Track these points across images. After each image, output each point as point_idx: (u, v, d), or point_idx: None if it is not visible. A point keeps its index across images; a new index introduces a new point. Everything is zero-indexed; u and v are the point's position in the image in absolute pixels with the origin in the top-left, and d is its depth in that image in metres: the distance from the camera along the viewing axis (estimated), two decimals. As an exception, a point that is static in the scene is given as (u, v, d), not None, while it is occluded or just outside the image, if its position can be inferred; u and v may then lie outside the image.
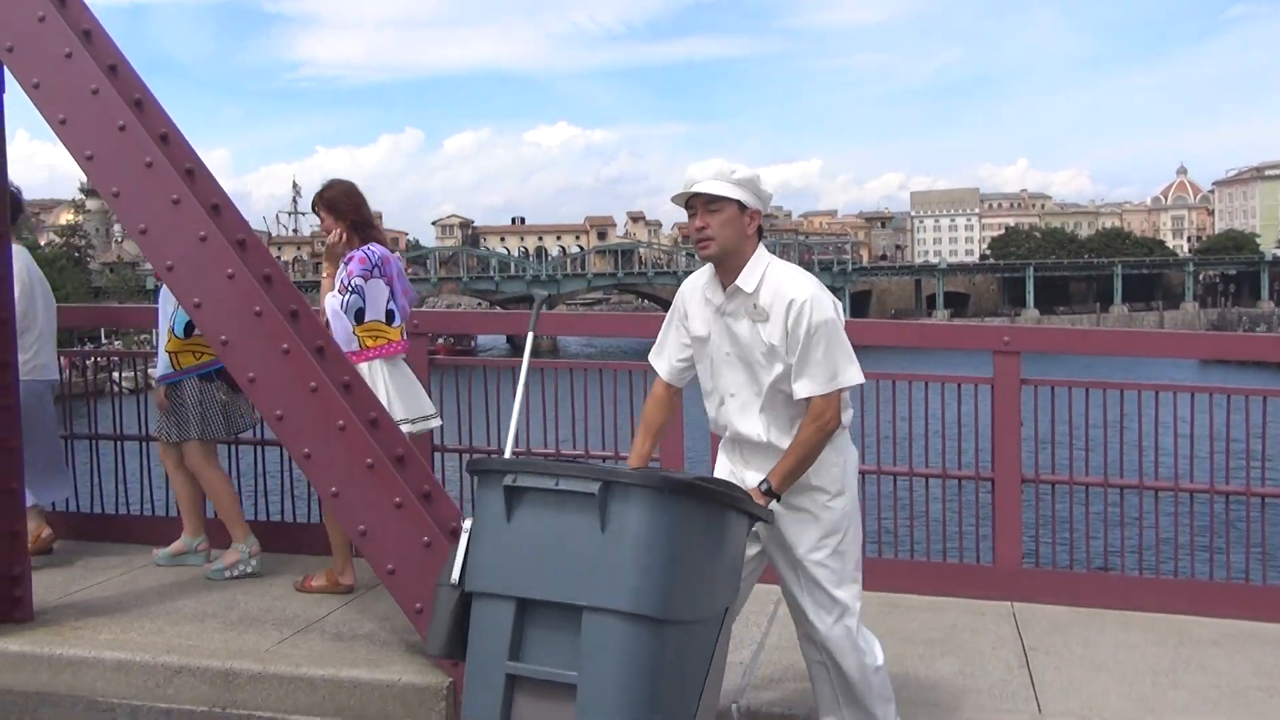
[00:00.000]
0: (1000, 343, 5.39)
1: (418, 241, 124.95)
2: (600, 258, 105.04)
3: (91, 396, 6.69)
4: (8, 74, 4.64)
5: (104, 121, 4.44)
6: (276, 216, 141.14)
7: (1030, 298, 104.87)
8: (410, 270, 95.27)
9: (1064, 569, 5.55)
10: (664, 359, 3.71)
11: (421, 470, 4.53)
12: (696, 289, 3.57)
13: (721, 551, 2.97)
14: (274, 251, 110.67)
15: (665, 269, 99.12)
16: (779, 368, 3.39)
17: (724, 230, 3.37)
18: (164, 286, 5.26)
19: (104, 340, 34.52)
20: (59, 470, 6.04)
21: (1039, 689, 4.23)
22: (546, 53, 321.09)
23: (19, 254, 5.50)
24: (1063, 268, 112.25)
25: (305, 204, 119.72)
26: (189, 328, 5.54)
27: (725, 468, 3.65)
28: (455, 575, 3.06)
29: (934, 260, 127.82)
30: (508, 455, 3.48)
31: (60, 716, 4.29)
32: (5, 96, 4.75)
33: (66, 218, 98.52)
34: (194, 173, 4.57)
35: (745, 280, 3.40)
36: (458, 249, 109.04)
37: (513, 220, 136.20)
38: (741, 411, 3.50)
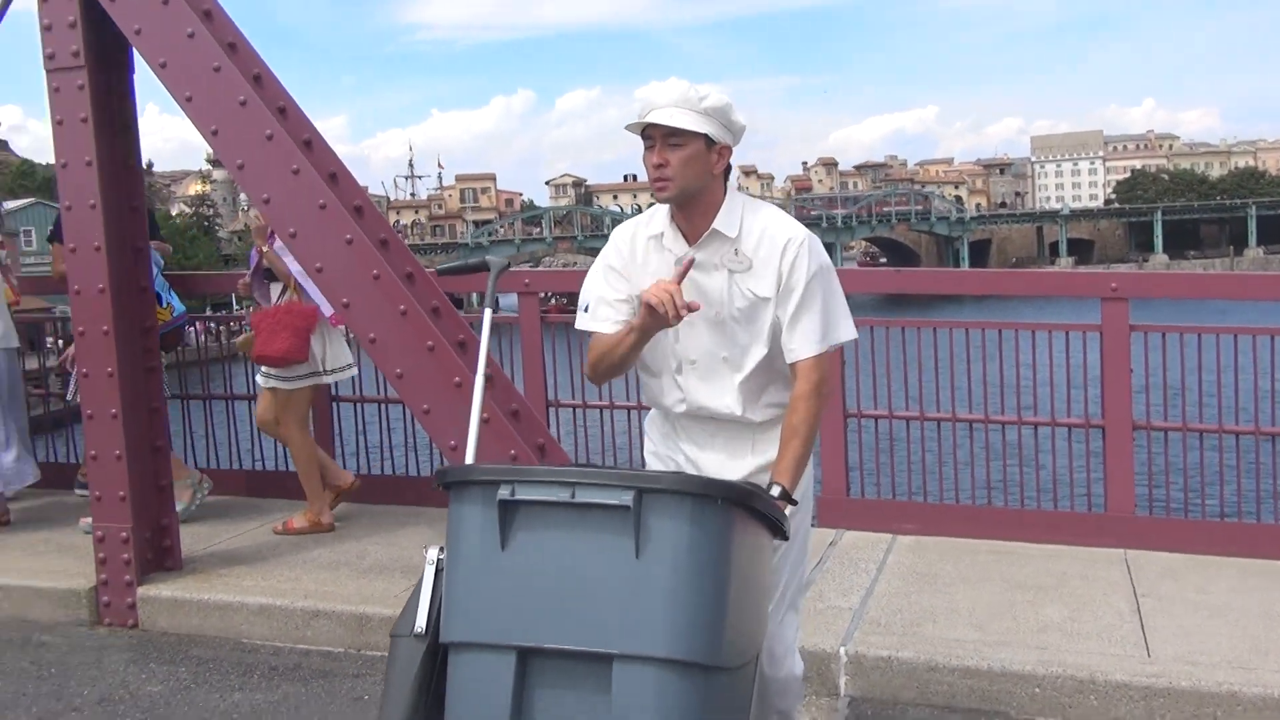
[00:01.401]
0: (1108, 290, 5.35)
1: (532, 202, 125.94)
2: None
3: (227, 360, 7.09)
4: (136, 55, 4.92)
5: (226, 98, 4.67)
6: (394, 181, 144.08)
7: (1158, 242, 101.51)
8: (526, 230, 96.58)
9: (1178, 516, 5.50)
10: (602, 321, 2.91)
11: (536, 425, 4.72)
12: (642, 238, 2.93)
13: (761, 577, 2.45)
14: (392, 216, 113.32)
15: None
16: (761, 324, 2.82)
17: (686, 169, 2.75)
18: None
19: (237, 307, 35.73)
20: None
21: (1149, 633, 4.24)
22: (656, 7, 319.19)
23: None
24: (1193, 210, 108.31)
25: (422, 168, 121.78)
26: None
27: (660, 451, 3.06)
28: (421, 623, 2.42)
29: (1056, 206, 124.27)
30: (469, 459, 2.98)
31: (209, 656, 4.60)
32: (135, 76, 5.04)
33: (195, 188, 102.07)
34: (311, 143, 4.78)
35: (724, 223, 2.81)
36: (571, 208, 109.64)
37: (624, 177, 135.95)
38: (705, 381, 2.89)
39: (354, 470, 6.40)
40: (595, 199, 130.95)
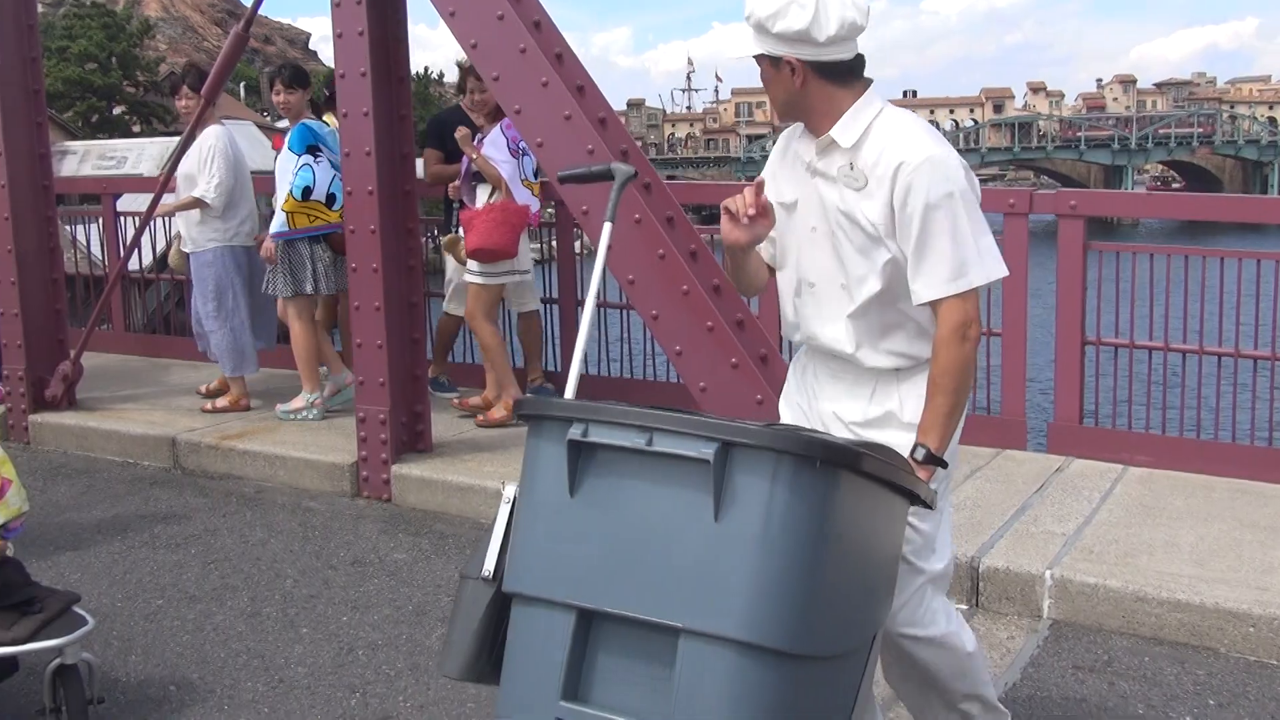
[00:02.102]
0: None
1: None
2: (995, 131, 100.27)
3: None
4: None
5: (485, 12, 4.96)
6: (671, 94, 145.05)
7: None
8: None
9: None
10: None
11: (759, 335, 4.87)
12: (787, 141, 2.70)
13: (880, 553, 2.15)
14: (667, 128, 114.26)
15: (1066, 142, 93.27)
16: (879, 255, 2.48)
17: (771, 89, 2.54)
18: (281, 152, 6.21)
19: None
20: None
21: (1388, 584, 4.02)
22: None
23: (222, 133, 6.43)
24: None
25: (699, 81, 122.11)
26: (306, 191, 6.17)
27: (790, 399, 2.80)
28: (489, 566, 2.24)
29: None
30: (570, 395, 2.66)
31: (450, 531, 5.05)
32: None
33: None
34: (562, 57, 5.03)
35: (842, 132, 2.49)
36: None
37: (904, 94, 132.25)
38: (821, 309, 2.60)
39: (594, 371, 6.75)
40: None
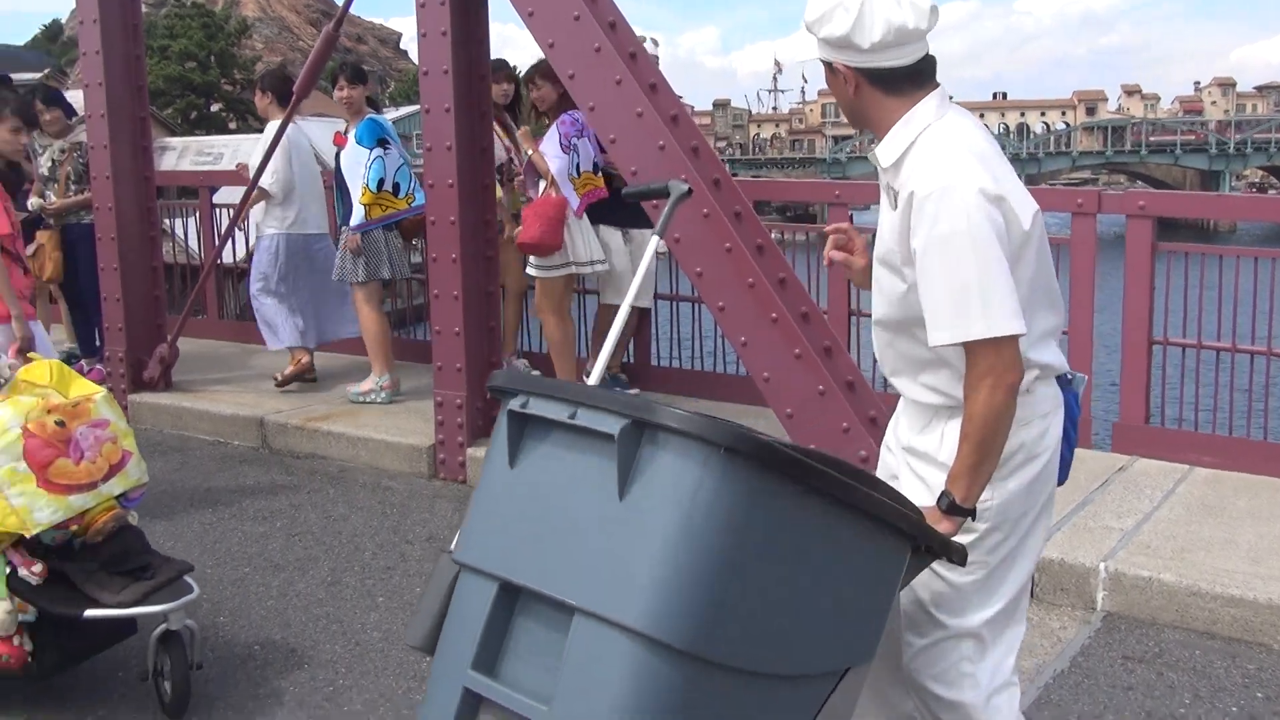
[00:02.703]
0: None
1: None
2: (1087, 134, 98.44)
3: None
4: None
5: (562, 12, 5.15)
6: (757, 94, 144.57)
7: None
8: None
9: None
10: None
11: (823, 328, 4.99)
12: None
13: (850, 581, 1.94)
14: (752, 129, 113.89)
15: (1161, 147, 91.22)
16: (898, 285, 2.33)
17: (835, 96, 2.38)
18: (347, 148, 6.48)
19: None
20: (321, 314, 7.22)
21: None
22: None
23: (289, 128, 6.78)
24: None
25: (785, 81, 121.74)
26: (379, 183, 6.43)
27: (891, 426, 2.60)
28: (455, 539, 2.21)
29: None
30: (593, 381, 2.68)
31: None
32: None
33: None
34: (636, 56, 5.19)
35: (884, 149, 2.33)
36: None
37: (993, 95, 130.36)
38: (875, 329, 2.49)
39: (666, 365, 6.89)
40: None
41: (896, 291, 2.33)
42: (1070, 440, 2.47)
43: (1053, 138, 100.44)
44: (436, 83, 5.52)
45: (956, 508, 2.22)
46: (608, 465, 1.81)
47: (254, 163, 6.85)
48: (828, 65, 2.34)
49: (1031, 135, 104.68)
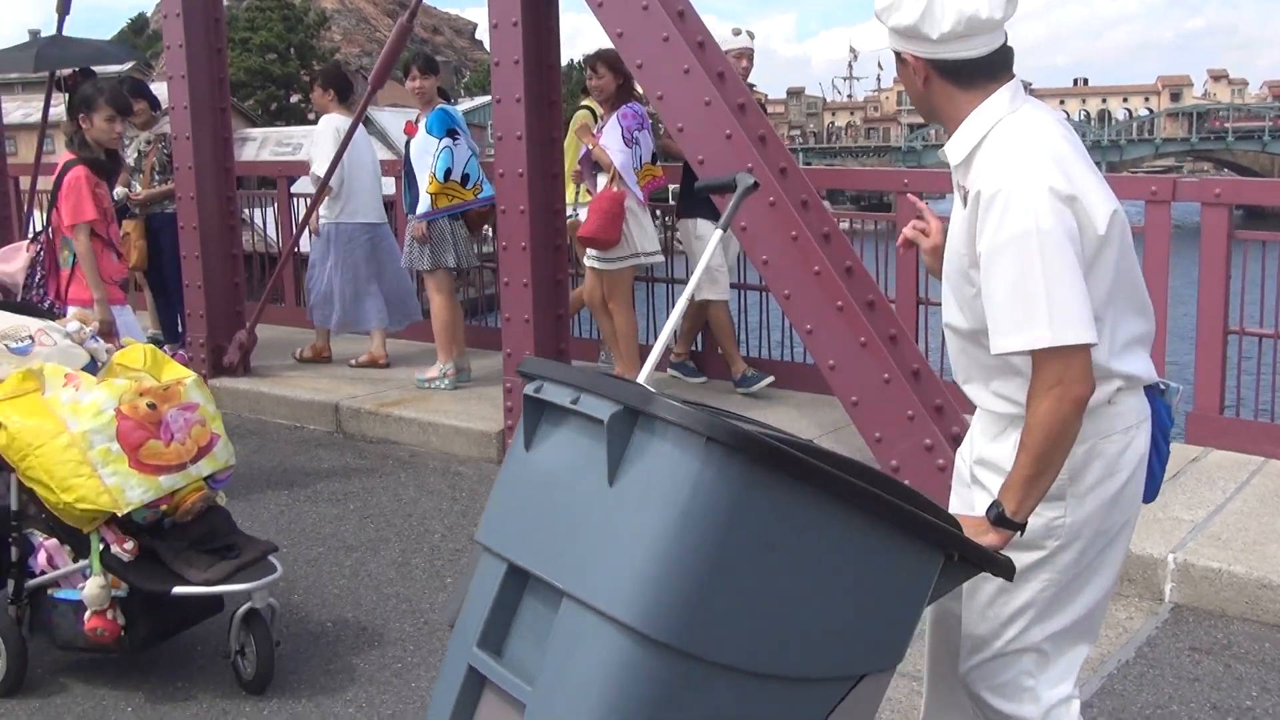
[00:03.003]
0: None
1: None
2: (1171, 120, 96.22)
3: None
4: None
5: (630, 2, 5.19)
6: (832, 82, 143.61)
7: None
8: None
9: None
10: None
11: (889, 316, 4.99)
12: None
13: (850, 585, 1.85)
14: (827, 117, 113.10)
15: (1249, 133, 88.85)
16: (967, 289, 2.22)
17: (905, 88, 2.34)
18: (417, 137, 6.59)
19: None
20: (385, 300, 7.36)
21: None
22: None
23: (340, 121, 6.98)
24: None
25: (860, 69, 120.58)
26: (447, 173, 6.51)
27: (967, 437, 2.46)
28: None
29: None
30: (643, 377, 2.69)
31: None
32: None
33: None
34: (704, 45, 5.22)
35: (953, 145, 2.22)
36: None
37: (1074, 81, 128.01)
38: (947, 333, 2.39)
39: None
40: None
41: (965, 296, 2.22)
42: (1161, 452, 2.30)
43: (1135, 124, 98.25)
44: (507, 73, 5.60)
45: (1005, 520, 2.09)
46: (599, 449, 1.81)
47: (315, 158, 7.08)
48: (898, 55, 2.25)
49: (1113, 122, 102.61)
